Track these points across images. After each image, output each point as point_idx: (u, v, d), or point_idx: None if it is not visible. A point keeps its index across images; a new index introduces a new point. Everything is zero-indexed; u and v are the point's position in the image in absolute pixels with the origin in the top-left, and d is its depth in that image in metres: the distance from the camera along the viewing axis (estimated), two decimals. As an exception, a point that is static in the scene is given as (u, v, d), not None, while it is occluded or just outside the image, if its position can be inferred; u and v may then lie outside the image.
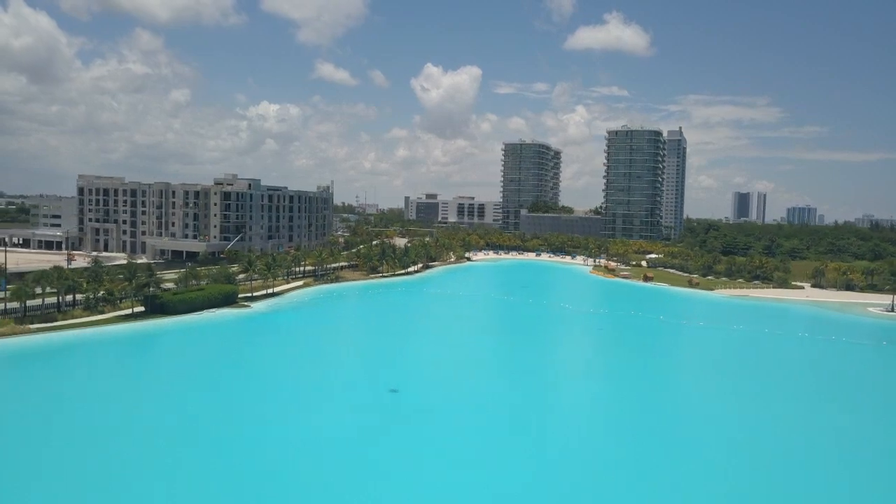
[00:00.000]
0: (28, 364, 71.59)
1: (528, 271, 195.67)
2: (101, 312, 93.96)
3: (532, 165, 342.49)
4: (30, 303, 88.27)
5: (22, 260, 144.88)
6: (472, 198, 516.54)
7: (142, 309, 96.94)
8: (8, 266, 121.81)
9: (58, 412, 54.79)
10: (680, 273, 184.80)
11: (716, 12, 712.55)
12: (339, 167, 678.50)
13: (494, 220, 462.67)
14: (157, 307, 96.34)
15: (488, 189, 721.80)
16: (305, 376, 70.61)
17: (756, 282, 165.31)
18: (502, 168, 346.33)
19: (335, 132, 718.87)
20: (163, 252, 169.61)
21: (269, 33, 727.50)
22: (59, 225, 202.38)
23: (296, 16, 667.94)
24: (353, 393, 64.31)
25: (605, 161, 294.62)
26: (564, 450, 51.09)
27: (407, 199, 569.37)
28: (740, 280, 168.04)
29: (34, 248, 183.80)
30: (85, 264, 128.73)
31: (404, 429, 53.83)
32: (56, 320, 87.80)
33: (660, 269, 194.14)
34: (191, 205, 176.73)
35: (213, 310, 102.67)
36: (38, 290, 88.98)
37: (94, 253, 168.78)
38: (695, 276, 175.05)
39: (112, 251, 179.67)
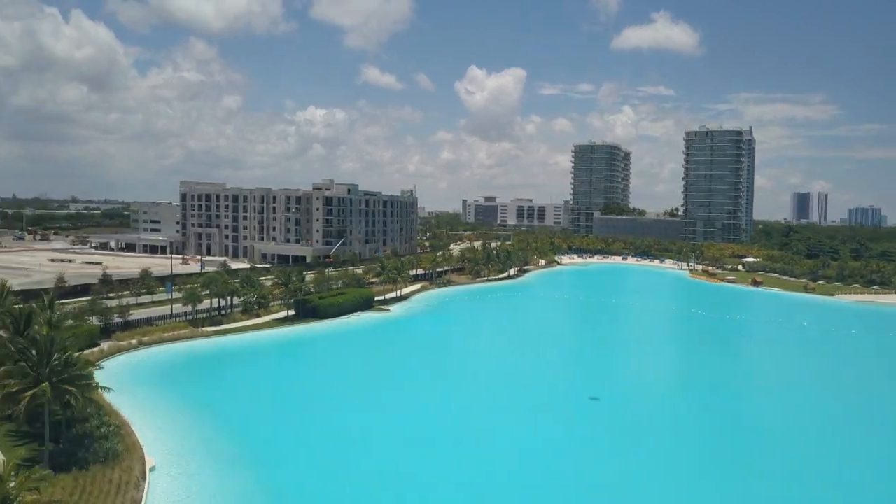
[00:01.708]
0: (234, 362, 73.73)
1: (625, 275, 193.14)
2: (257, 316, 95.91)
3: (603, 167, 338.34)
4: (178, 305, 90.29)
5: (138, 265, 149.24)
6: (531, 200, 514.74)
7: (292, 312, 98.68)
8: (131, 270, 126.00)
9: (293, 403, 55.96)
10: (784, 277, 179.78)
11: (767, 8, 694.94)
12: (385, 170, 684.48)
13: (556, 223, 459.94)
14: (309, 311, 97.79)
15: (531, 190, 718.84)
16: (490, 381, 70.52)
17: (874, 287, 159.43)
18: (572, 170, 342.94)
19: (381, 136, 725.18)
20: (264, 256, 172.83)
21: (316, 40, 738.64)
22: (158, 230, 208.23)
23: (343, 22, 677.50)
24: (552, 400, 63.74)
25: (685, 163, 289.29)
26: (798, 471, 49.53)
27: (464, 202, 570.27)
28: (855, 285, 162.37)
29: (139, 252, 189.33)
30: (197, 269, 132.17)
31: (621, 440, 52.81)
32: (222, 323, 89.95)
33: (760, 273, 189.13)
34: (292, 210, 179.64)
35: (358, 313, 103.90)
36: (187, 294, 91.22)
37: (198, 257, 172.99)
38: (804, 280, 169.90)
39: (214, 255, 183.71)
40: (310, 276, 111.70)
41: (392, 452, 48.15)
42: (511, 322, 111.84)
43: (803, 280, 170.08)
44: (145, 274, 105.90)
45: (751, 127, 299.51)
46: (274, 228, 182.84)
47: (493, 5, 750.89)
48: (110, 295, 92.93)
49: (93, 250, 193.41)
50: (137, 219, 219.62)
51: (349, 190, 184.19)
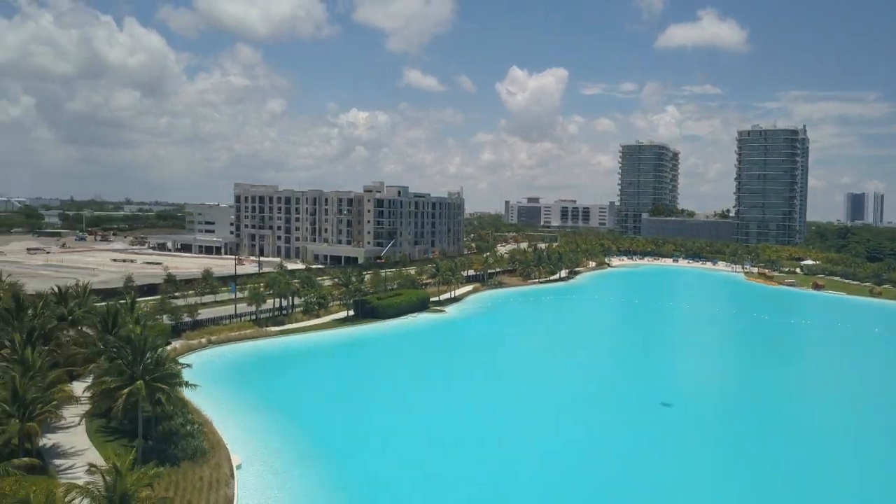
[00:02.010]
0: (301, 362, 74.93)
1: (679, 278, 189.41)
2: (318, 316, 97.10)
3: (651, 167, 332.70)
4: (243, 305, 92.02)
5: (196, 265, 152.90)
6: (574, 201, 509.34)
7: (351, 313, 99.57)
8: (191, 270, 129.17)
9: (362, 402, 56.45)
10: (846, 280, 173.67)
11: (818, 3, 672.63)
12: (426, 172, 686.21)
13: (601, 224, 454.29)
14: (368, 311, 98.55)
15: (572, 191, 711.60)
16: (557, 385, 69.80)
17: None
18: (619, 171, 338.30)
19: (422, 138, 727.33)
20: (316, 257, 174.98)
21: (359, 43, 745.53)
22: (213, 231, 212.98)
23: (385, 25, 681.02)
24: (622, 405, 62.76)
25: (737, 163, 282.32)
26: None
27: (507, 202, 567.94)
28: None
29: (195, 253, 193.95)
30: (252, 269, 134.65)
31: (699, 449, 51.37)
32: (284, 323, 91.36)
33: (820, 276, 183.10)
34: (344, 211, 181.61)
35: (415, 314, 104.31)
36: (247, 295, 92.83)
37: (252, 258, 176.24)
38: (868, 283, 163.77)
39: (267, 256, 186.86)
40: (366, 276, 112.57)
41: (465, 452, 48.11)
42: (570, 325, 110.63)
43: (867, 284, 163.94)
44: (207, 274, 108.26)
45: (804, 126, 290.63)
46: (325, 230, 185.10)
47: (535, 6, 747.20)
48: (176, 294, 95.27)
49: (151, 251, 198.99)
50: (193, 220, 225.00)
51: (399, 192, 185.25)
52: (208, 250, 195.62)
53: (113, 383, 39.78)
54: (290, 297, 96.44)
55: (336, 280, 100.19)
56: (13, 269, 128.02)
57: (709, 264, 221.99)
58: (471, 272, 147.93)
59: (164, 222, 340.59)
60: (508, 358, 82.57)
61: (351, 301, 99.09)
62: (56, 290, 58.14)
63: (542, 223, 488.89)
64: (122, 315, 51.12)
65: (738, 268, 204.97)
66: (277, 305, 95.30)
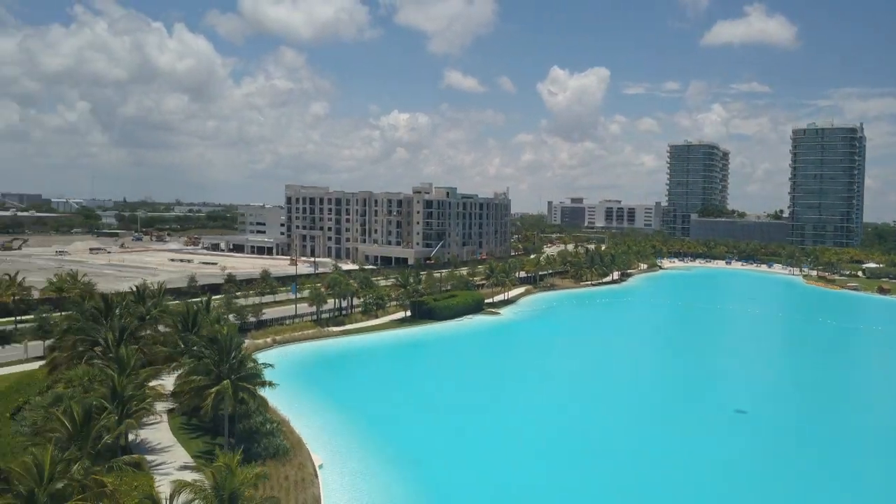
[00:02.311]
0: (365, 361, 75.73)
1: (734, 281, 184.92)
2: (376, 317, 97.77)
3: (700, 167, 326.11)
4: (303, 306, 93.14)
5: (250, 265, 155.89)
6: (619, 201, 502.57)
7: (408, 314, 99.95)
8: (246, 270, 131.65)
9: (430, 402, 56.53)
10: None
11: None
12: (466, 173, 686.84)
13: (646, 225, 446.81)
14: (425, 312, 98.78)
15: (614, 191, 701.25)
16: (625, 390, 68.73)
17: None
18: (668, 171, 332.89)
19: (462, 139, 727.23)
20: (366, 258, 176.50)
21: (401, 45, 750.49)
22: (263, 231, 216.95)
23: (427, 27, 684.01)
24: (693, 411, 61.27)
25: (791, 162, 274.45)
26: None
27: (550, 203, 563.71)
28: None
29: (247, 253, 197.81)
30: (306, 269, 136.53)
31: (781, 458, 49.68)
32: (344, 324, 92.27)
33: (885, 279, 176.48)
34: (394, 213, 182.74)
35: (470, 316, 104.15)
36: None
37: (303, 258, 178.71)
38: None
39: (318, 256, 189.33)
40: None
41: (538, 456, 47.70)
42: (630, 328, 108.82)
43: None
44: (266, 274, 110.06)
45: (861, 124, 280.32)
46: (375, 231, 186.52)
47: (577, 5, 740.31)
48: (238, 294, 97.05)
49: (205, 251, 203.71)
50: (244, 221, 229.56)
51: (448, 193, 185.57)
52: (260, 251, 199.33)
53: (202, 382, 40.60)
54: (350, 298, 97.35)
55: (394, 281, 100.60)
56: (79, 268, 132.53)
57: (763, 267, 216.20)
58: (522, 273, 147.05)
59: (213, 223, 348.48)
60: (572, 362, 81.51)
61: (408, 302, 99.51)
62: (134, 289, 59.72)
63: (585, 224, 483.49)
64: (202, 315, 52.23)
65: (796, 270, 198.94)
66: (337, 306, 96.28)
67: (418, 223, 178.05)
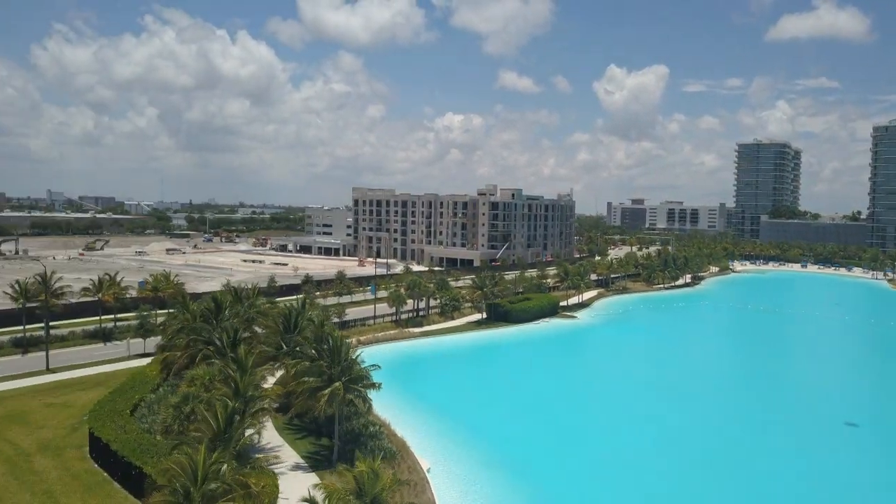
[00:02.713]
0: (451, 363, 75.75)
1: (815, 285, 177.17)
2: (452, 318, 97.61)
3: (770, 167, 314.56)
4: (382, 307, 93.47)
5: (321, 266, 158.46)
6: (681, 202, 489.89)
7: (483, 316, 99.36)
8: (317, 270, 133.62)
9: (523, 405, 55.79)
10: None
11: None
12: (520, 174, 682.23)
13: (710, 226, 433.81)
14: (501, 315, 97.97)
15: (672, 192, 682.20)
16: (725, 398, 66.37)
17: None
18: (735, 171, 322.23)
19: (517, 140, 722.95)
20: (431, 259, 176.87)
21: (456, 47, 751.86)
22: (329, 233, 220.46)
23: (483, 28, 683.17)
24: (797, 422, 58.47)
25: (871, 161, 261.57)
26: None
27: (609, 204, 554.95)
28: None
29: (314, 254, 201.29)
30: (375, 270, 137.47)
31: None
32: (423, 325, 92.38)
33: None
34: (459, 214, 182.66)
35: (546, 319, 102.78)
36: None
37: (369, 259, 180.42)
38: None
39: (384, 258, 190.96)
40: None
41: (644, 464, 46.28)
42: (716, 334, 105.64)
43: None
44: (342, 275, 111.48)
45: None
46: (440, 232, 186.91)
47: (636, 2, 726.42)
48: (317, 295, 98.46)
49: (273, 252, 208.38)
50: (311, 223, 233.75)
51: (513, 195, 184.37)
52: (327, 252, 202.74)
53: (315, 383, 40.93)
54: (427, 299, 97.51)
55: (470, 283, 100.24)
56: (160, 268, 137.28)
57: (842, 270, 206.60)
58: (592, 276, 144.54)
59: (277, 224, 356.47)
60: (665, 369, 79.21)
61: (483, 304, 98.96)
62: (232, 290, 61.06)
63: (647, 225, 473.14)
64: (302, 315, 52.88)
65: (879, 275, 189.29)
66: (414, 307, 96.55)
67: (484, 225, 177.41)
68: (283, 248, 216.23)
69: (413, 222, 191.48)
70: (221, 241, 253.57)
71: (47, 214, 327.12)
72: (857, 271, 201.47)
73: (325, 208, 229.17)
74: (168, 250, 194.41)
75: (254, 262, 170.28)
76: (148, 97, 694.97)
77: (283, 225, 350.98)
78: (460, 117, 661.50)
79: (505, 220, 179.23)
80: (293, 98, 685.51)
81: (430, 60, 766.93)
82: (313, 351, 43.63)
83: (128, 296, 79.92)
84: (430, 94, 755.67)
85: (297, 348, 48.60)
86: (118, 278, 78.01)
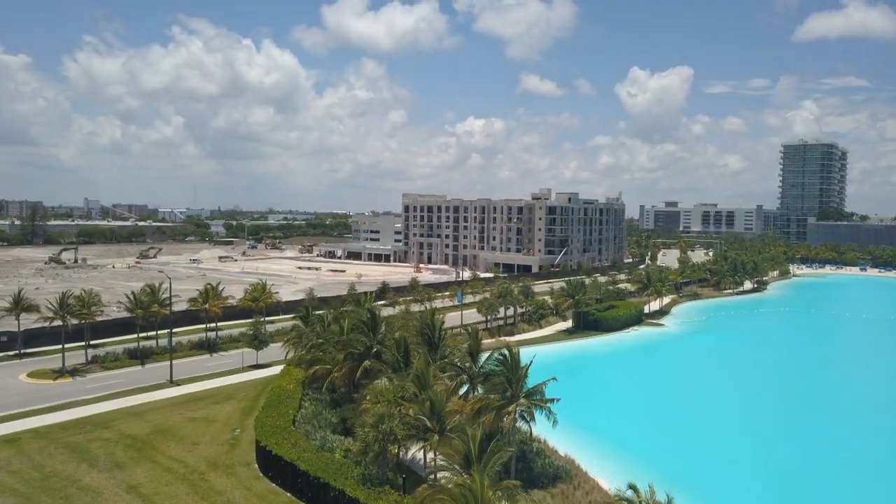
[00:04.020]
0: (568, 370, 72.30)
1: (882, 289, 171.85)
2: (540, 327, 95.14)
3: (816, 168, 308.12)
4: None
5: (379, 272, 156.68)
6: (716, 205, 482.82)
7: (569, 323, 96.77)
8: (375, 277, 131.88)
9: (664, 415, 53.11)
10: None
11: None
12: (540, 178, 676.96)
13: (746, 229, 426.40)
14: (590, 323, 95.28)
15: (695, 195, 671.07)
16: (860, 410, 63.15)
17: None
18: (781, 172, 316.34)
19: (538, 143, 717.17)
20: (487, 264, 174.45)
21: (479, 52, 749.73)
22: (377, 239, 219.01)
23: (505, 33, 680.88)
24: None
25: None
26: None
27: (642, 207, 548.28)
28: None
29: (364, 261, 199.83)
30: (432, 277, 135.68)
31: None
32: (514, 333, 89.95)
33: None
34: (514, 219, 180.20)
35: (634, 327, 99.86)
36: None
37: (421, 265, 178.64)
38: None
39: (435, 264, 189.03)
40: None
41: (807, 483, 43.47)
42: (817, 342, 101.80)
43: None
44: (415, 282, 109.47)
45: None
46: (493, 238, 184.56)
47: (659, 4, 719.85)
48: (399, 301, 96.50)
49: (321, 258, 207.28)
50: (358, 229, 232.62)
51: (570, 199, 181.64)
52: (377, 258, 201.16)
53: (498, 401, 38.73)
54: (515, 307, 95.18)
55: (560, 290, 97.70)
56: (217, 276, 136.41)
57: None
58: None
59: (313, 230, 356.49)
60: (787, 380, 76.48)
61: (571, 312, 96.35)
62: (353, 298, 59.14)
63: (681, 228, 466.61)
64: (437, 327, 50.58)
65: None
66: (503, 315, 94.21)
67: (540, 230, 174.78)
68: (332, 255, 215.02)
69: (465, 227, 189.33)
70: (266, 248, 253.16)
71: (90, 223, 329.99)
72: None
73: (372, 213, 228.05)
74: (220, 258, 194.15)
75: (310, 268, 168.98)
76: (174, 106, 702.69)
77: (319, 231, 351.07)
78: (482, 121, 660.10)
79: (562, 225, 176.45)
80: (316, 105, 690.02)
81: (452, 65, 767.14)
82: (492, 367, 41.61)
83: (231, 304, 79.24)
84: (452, 98, 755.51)
85: (454, 363, 46.33)
86: (220, 288, 76.90)
